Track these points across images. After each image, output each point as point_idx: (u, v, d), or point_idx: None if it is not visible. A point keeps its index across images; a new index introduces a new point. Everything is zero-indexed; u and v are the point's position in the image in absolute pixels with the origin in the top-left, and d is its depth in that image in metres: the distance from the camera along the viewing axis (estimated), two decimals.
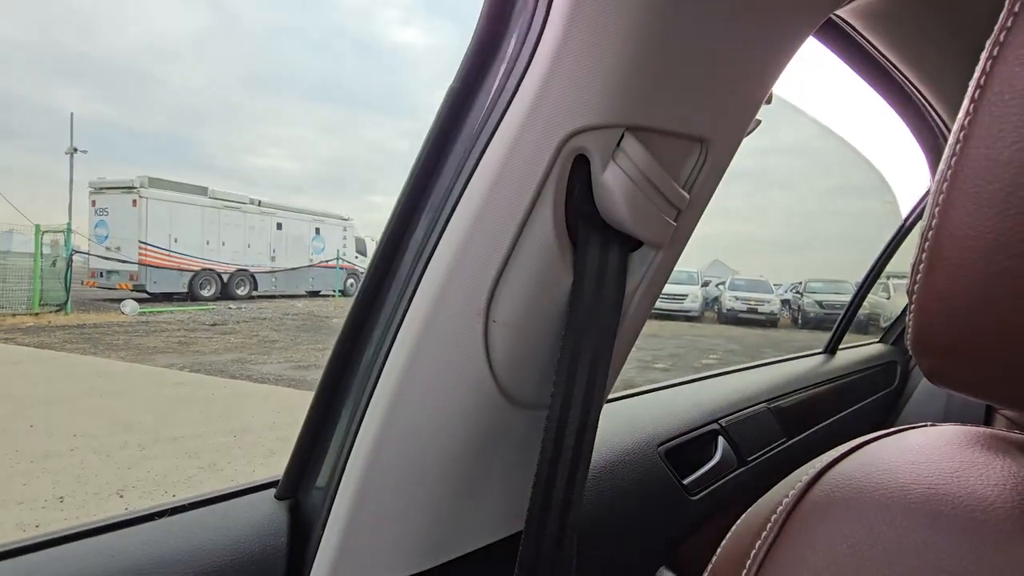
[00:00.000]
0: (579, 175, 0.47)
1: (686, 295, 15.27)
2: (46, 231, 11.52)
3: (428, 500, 0.54)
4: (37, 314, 10.37)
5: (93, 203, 14.00)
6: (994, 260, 0.25)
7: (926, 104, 1.02)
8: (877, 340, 2.00)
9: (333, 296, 17.75)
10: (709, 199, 0.56)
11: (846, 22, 0.66)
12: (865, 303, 1.83)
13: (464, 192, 0.48)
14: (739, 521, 0.38)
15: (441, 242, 0.49)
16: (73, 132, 19.98)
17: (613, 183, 0.47)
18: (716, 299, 17.95)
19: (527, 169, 0.45)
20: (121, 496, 2.98)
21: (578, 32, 0.42)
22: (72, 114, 24.15)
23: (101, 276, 13.70)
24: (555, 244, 0.48)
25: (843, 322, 1.73)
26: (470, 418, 0.52)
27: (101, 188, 14.03)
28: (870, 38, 0.70)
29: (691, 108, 0.48)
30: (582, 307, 0.51)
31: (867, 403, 1.65)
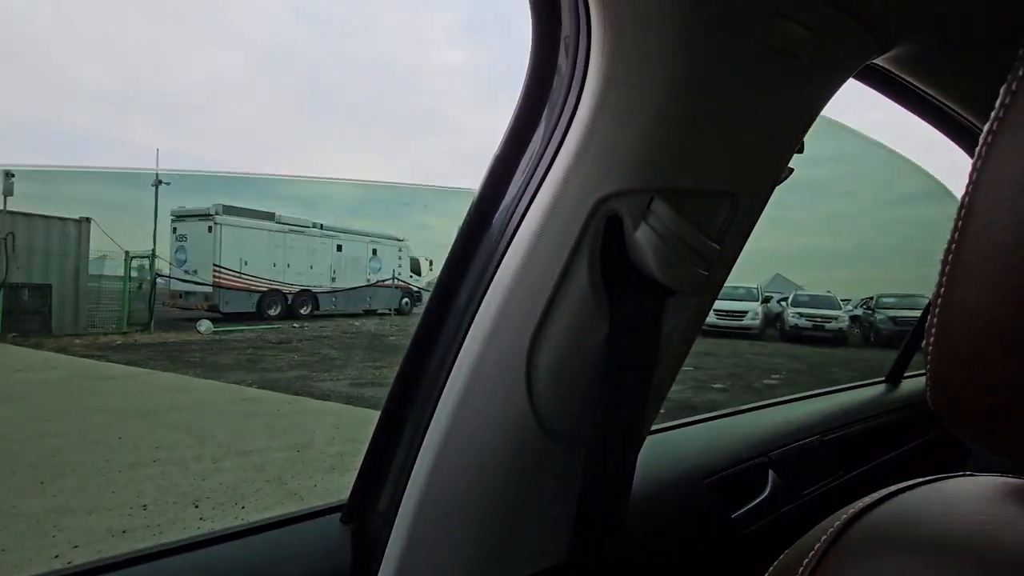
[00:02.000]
0: (614, 232, 0.51)
1: (746, 311, 14.58)
2: (134, 257, 12.61)
3: (476, 530, 0.57)
4: (125, 333, 11.32)
5: (174, 230, 15.17)
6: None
7: None
8: None
9: (389, 315, 18.30)
10: (742, 247, 0.58)
11: (885, 69, 0.63)
12: None
13: (508, 249, 0.53)
14: (776, 562, 0.39)
15: (487, 294, 0.54)
16: (158, 165, 21.85)
17: (644, 242, 0.50)
18: (778, 316, 17.10)
19: (564, 231, 0.50)
20: (196, 506, 3.19)
21: (608, 108, 0.46)
22: (158, 150, 26.49)
23: (180, 297, 14.77)
24: (591, 296, 0.51)
25: (908, 347, 1.64)
26: (514, 455, 0.55)
27: (181, 216, 15.21)
28: (913, 81, 0.68)
29: (719, 166, 0.51)
30: (618, 354, 0.54)
31: (934, 436, 1.55)
